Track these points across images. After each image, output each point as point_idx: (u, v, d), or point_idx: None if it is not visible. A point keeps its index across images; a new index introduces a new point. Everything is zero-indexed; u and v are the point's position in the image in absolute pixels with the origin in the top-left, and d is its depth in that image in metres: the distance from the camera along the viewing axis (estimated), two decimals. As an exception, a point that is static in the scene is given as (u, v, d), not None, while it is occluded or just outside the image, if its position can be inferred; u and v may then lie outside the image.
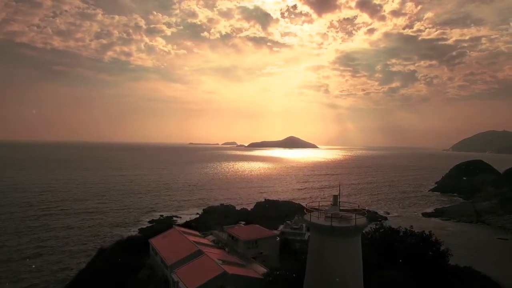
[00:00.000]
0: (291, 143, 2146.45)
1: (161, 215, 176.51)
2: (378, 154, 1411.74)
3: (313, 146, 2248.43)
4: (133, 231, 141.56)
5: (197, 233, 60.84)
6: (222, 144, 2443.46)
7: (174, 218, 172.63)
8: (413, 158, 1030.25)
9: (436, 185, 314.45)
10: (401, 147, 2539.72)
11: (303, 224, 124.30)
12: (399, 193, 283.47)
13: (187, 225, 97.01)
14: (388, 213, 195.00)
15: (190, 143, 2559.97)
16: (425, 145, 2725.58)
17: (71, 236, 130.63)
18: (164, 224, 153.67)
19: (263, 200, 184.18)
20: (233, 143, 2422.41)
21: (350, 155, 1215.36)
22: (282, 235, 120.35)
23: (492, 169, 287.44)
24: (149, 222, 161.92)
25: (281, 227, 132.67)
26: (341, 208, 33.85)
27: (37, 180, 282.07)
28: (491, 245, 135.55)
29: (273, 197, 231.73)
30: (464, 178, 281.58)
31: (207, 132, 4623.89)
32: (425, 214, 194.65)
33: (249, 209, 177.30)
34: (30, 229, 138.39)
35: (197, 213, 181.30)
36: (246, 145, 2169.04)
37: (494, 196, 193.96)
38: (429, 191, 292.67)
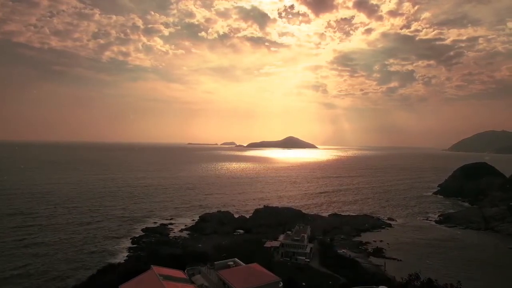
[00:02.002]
0: (290, 143, 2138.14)
1: (155, 223, 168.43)
2: (377, 154, 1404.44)
3: (312, 146, 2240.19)
4: (124, 244, 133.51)
5: (181, 274, 51.21)
6: (221, 144, 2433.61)
7: (169, 226, 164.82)
8: (413, 158, 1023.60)
9: (439, 187, 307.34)
10: (400, 147, 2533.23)
11: (305, 235, 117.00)
12: (401, 196, 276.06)
13: (172, 258, 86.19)
14: (392, 220, 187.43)
15: (189, 143, 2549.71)
16: (424, 145, 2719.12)
17: (54, 253, 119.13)
18: (156, 234, 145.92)
19: (262, 206, 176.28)
20: (232, 143, 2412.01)
21: (349, 156, 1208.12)
22: (283, 247, 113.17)
23: (496, 171, 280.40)
24: (143, 230, 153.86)
25: (281, 237, 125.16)
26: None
27: (31, 183, 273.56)
28: (504, 257, 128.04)
29: (272, 202, 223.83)
30: (468, 180, 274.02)
31: (206, 132, 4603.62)
32: (431, 221, 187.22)
33: (247, 216, 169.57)
34: (15, 243, 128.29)
35: (193, 220, 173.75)
36: (245, 145, 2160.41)
37: (501, 201, 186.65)
38: (432, 194, 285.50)
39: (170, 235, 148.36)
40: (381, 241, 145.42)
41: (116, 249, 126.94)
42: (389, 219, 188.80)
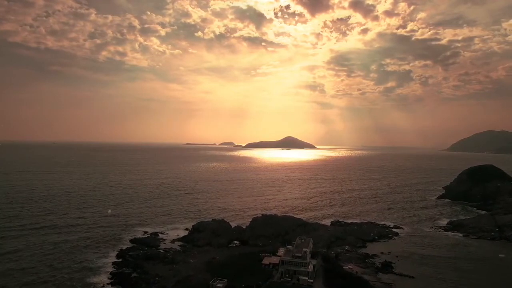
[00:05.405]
0: (289, 143, 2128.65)
1: (146, 232, 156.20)
2: (377, 154, 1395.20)
3: (310, 146, 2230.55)
4: (109, 258, 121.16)
5: None
6: (220, 144, 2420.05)
7: (160, 235, 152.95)
8: (413, 158, 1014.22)
9: (444, 190, 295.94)
10: (398, 147, 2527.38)
11: (307, 250, 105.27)
12: (405, 200, 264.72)
13: None
14: (399, 227, 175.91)
15: (187, 143, 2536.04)
16: (423, 145, 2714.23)
17: (28, 271, 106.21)
18: (145, 246, 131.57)
19: (260, 215, 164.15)
20: (231, 143, 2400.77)
21: (349, 156, 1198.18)
22: (283, 264, 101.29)
23: (505, 175, 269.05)
24: (131, 241, 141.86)
25: (280, 250, 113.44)
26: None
27: (20, 187, 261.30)
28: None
29: (271, 208, 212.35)
30: (475, 184, 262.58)
31: (205, 132, 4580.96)
32: (440, 228, 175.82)
33: (244, 226, 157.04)
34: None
35: (186, 229, 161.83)
36: (244, 145, 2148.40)
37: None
38: (437, 198, 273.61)
39: (160, 247, 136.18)
40: (389, 253, 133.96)
41: (99, 265, 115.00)
42: (396, 226, 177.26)
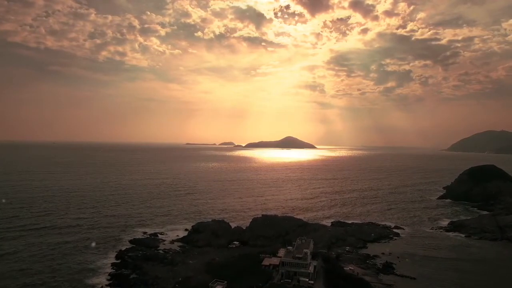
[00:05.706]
0: (289, 143, 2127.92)
1: (145, 233, 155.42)
2: (377, 154, 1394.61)
3: (310, 146, 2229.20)
4: (108, 259, 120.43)
5: None
6: (220, 145, 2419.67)
7: (159, 236, 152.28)
8: (413, 158, 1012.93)
9: (445, 190, 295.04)
10: (398, 147, 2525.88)
11: (307, 251, 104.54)
12: (406, 200, 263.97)
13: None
14: (399, 227, 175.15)
15: (187, 143, 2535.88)
16: (422, 145, 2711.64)
17: (26, 273, 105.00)
18: (145, 246, 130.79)
19: (260, 215, 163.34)
20: (231, 143, 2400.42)
21: (349, 156, 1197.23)
22: (283, 266, 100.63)
23: (505, 175, 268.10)
24: (130, 242, 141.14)
25: (281, 251, 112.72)
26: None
27: (18, 187, 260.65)
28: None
29: (271, 209, 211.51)
30: (476, 184, 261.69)
31: (205, 132, 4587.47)
32: (441, 229, 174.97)
33: (244, 227, 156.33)
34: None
35: (186, 229, 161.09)
36: (244, 145, 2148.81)
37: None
38: (438, 198, 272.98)
39: (159, 248, 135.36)
40: (390, 253, 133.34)
41: (98, 266, 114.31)
42: (396, 227, 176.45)
